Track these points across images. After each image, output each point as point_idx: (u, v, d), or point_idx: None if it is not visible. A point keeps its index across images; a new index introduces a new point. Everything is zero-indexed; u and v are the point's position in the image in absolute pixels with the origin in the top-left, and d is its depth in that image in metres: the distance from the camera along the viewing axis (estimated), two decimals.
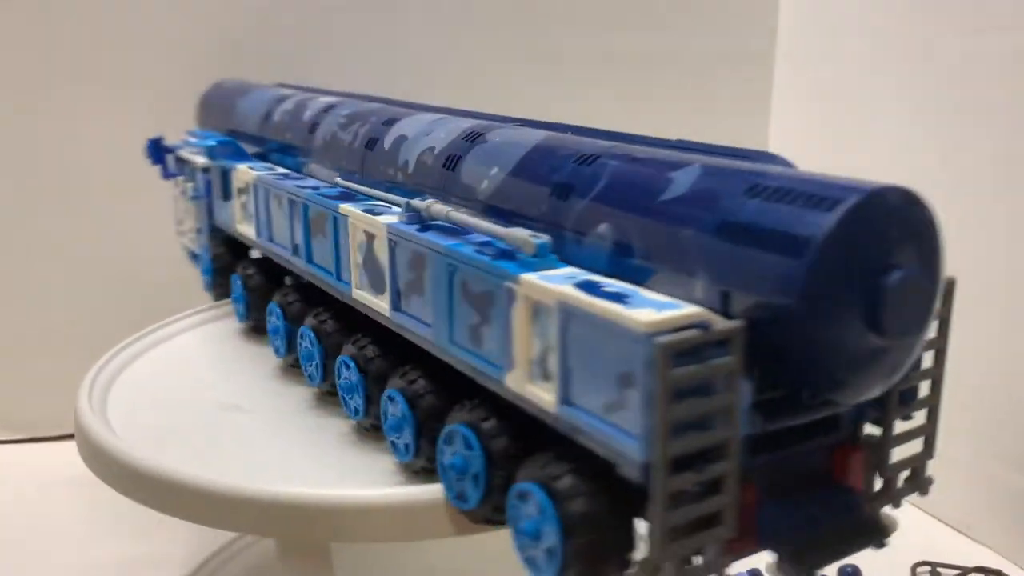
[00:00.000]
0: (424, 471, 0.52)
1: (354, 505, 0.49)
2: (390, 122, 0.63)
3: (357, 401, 0.57)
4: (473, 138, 0.53)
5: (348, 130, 0.66)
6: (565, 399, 0.38)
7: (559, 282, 0.39)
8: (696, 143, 0.45)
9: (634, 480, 0.35)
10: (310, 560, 0.57)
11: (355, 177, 0.63)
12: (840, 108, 1.12)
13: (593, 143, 0.46)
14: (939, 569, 0.92)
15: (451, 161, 0.54)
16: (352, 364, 0.56)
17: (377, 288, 0.54)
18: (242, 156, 0.80)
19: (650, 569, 0.35)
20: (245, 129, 0.83)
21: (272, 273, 0.75)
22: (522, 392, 0.41)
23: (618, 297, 0.36)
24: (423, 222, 0.50)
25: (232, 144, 0.80)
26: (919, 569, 0.93)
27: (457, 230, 0.48)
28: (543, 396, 0.40)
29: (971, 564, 0.92)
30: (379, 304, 0.54)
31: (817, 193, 0.34)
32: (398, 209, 0.53)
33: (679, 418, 0.33)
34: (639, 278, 0.39)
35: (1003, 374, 0.95)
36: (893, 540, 0.86)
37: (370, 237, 0.54)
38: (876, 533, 0.41)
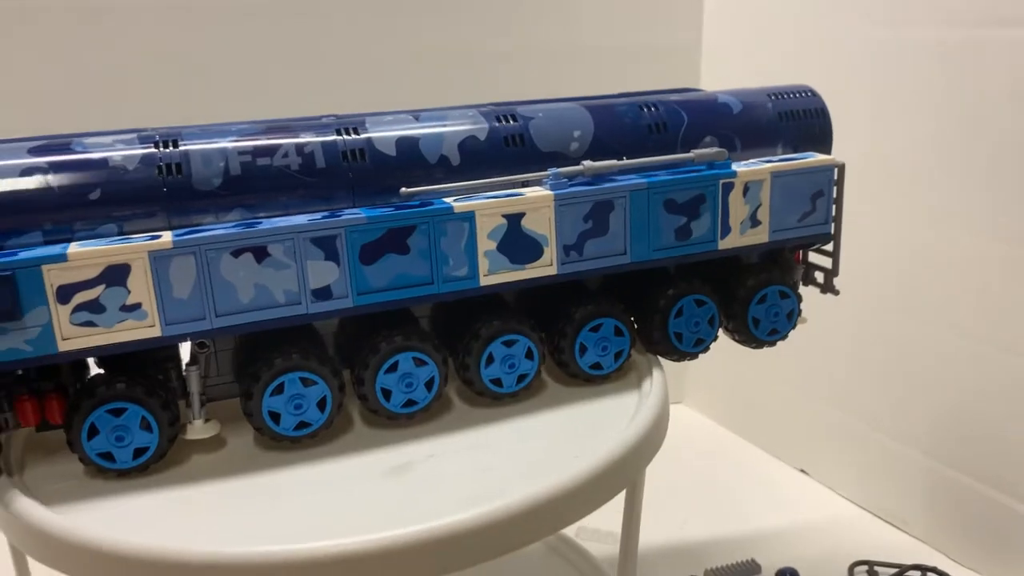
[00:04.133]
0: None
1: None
2: (349, 130, 0.60)
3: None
4: (514, 117, 0.64)
5: (279, 157, 0.58)
6: (774, 229, 0.67)
7: (757, 165, 0.66)
8: (645, 91, 0.72)
9: (823, 243, 0.69)
10: None
11: (344, 195, 0.59)
12: None
13: (631, 100, 0.68)
14: (876, 568, 0.92)
15: (514, 139, 0.63)
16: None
17: (526, 260, 0.61)
18: None
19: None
20: None
21: None
22: (737, 244, 0.66)
23: (792, 159, 0.67)
24: (586, 179, 0.62)
25: None
26: (857, 569, 0.93)
27: (608, 176, 0.63)
28: (757, 237, 0.67)
29: (908, 561, 0.92)
30: (532, 273, 0.61)
31: (802, 90, 0.72)
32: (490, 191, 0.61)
33: None
34: (740, 157, 0.69)
35: (939, 370, 0.97)
36: (830, 539, 0.97)
37: (514, 217, 0.60)
38: None
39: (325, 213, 0.57)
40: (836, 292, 0.71)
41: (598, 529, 0.90)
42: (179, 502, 0.53)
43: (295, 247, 0.55)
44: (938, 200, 0.94)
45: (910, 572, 0.91)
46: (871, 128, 0.97)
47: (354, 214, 0.56)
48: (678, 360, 0.68)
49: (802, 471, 1.14)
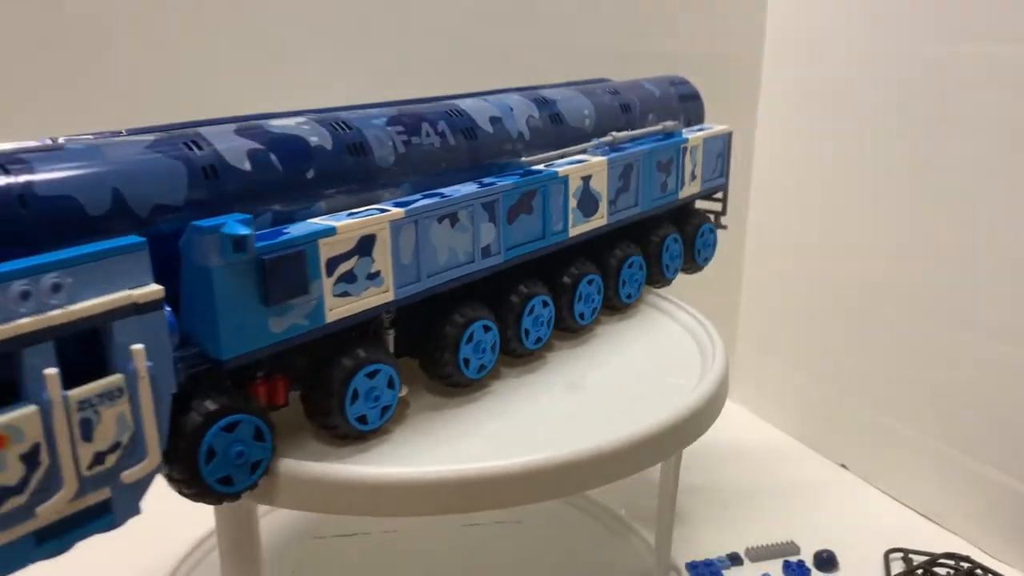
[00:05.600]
0: None
1: None
2: (457, 113, 0.69)
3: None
4: (545, 100, 0.77)
5: (424, 134, 0.65)
6: (703, 181, 0.90)
7: (694, 133, 0.88)
8: (562, 83, 0.90)
9: (720, 191, 0.94)
10: None
11: (466, 168, 0.68)
12: (823, 111, 1.17)
13: (602, 85, 0.85)
14: (911, 555, 0.95)
15: (554, 118, 0.77)
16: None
17: (590, 213, 0.75)
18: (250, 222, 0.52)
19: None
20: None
21: None
22: (687, 194, 0.88)
23: (705, 129, 0.90)
24: (613, 147, 0.78)
25: (249, 218, 0.49)
26: (891, 555, 0.96)
27: (621, 144, 0.80)
28: (696, 188, 0.89)
29: (941, 551, 0.95)
30: (593, 224, 0.76)
31: (682, 80, 0.96)
32: (567, 158, 0.74)
33: None
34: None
35: (973, 370, 1.00)
36: (867, 528, 1.00)
37: (586, 179, 0.74)
38: None
39: (477, 182, 0.65)
40: (724, 227, 0.97)
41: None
42: (425, 444, 0.58)
43: (473, 212, 0.63)
44: (988, 208, 0.98)
45: (943, 560, 0.95)
46: (923, 140, 1.03)
47: (503, 181, 0.66)
48: (660, 287, 0.88)
49: (842, 466, 1.19)
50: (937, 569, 0.93)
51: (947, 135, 0.97)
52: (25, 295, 0.40)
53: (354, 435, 0.57)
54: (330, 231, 0.53)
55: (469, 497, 0.52)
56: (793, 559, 0.95)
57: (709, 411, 0.65)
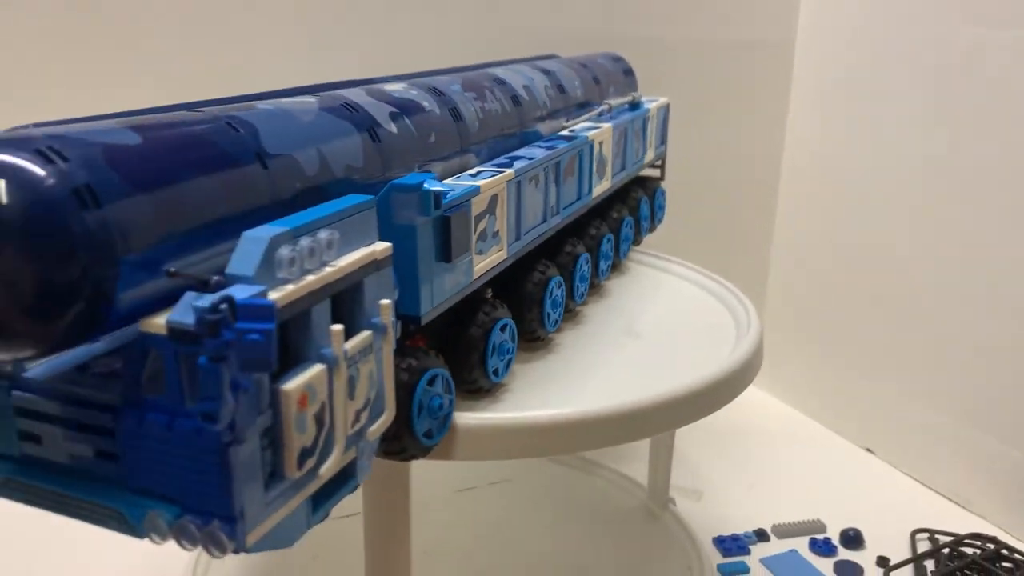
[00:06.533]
0: None
1: None
2: (501, 81, 0.72)
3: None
4: (547, 71, 0.82)
5: (489, 100, 0.67)
6: (655, 148, 0.98)
7: (653, 102, 0.96)
8: (512, 59, 0.95)
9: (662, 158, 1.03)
10: None
11: (515, 132, 0.71)
12: (856, 97, 1.17)
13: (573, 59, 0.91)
14: (937, 536, 0.96)
15: (560, 87, 0.82)
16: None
17: (602, 176, 0.81)
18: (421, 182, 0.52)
19: None
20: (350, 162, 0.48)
21: None
22: (648, 159, 0.96)
23: (655, 100, 0.99)
24: (611, 115, 0.84)
25: (435, 175, 0.50)
26: (918, 535, 0.97)
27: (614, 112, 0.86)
28: (652, 154, 0.97)
29: (967, 532, 0.96)
30: (604, 186, 0.81)
31: (619, 56, 1.04)
32: (582, 124, 0.80)
33: None
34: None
35: (1003, 354, 0.99)
36: (893, 510, 1.00)
37: (601, 144, 0.79)
38: None
39: (537, 145, 0.69)
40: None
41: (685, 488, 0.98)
42: (550, 390, 0.61)
43: (547, 172, 0.67)
44: (1020, 195, 0.97)
45: (969, 541, 0.96)
46: (956, 128, 1.03)
47: (560, 144, 0.70)
48: (637, 245, 0.95)
49: (868, 450, 1.20)
50: (963, 549, 0.95)
51: (978, 123, 0.98)
52: (312, 251, 0.39)
53: (487, 388, 0.59)
54: (476, 190, 0.55)
55: (632, 428, 0.57)
56: (819, 536, 0.97)
57: (761, 349, 0.73)
